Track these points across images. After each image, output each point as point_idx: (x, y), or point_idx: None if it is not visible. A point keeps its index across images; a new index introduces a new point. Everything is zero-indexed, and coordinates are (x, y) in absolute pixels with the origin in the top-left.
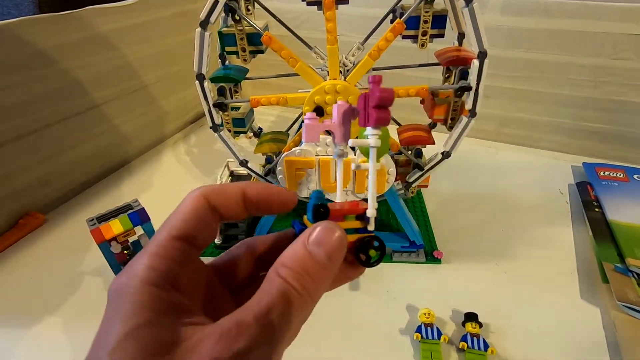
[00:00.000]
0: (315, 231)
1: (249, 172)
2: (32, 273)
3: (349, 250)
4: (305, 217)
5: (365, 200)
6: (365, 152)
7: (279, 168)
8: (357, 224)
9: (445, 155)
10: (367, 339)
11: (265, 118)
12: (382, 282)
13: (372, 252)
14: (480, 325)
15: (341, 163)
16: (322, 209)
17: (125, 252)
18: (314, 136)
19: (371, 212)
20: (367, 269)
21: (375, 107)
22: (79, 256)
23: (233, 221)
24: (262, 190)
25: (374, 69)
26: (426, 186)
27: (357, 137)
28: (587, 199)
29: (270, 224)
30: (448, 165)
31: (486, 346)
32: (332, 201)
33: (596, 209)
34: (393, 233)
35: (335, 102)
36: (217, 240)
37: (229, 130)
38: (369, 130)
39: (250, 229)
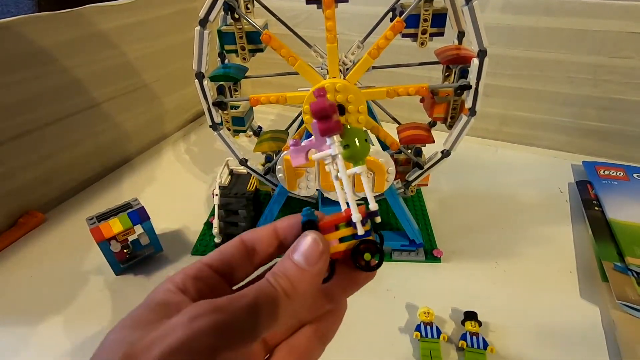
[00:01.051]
0: (298, 242)
1: (249, 170)
2: (31, 272)
3: (347, 258)
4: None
5: (365, 199)
6: (347, 158)
7: (279, 167)
8: (350, 231)
9: (445, 154)
10: (366, 338)
11: (265, 117)
12: (381, 281)
13: (367, 256)
14: (480, 324)
15: (334, 171)
16: (309, 226)
17: (125, 250)
18: (300, 160)
19: (355, 217)
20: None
21: (318, 119)
22: (78, 255)
23: (269, 259)
24: (290, 220)
25: (373, 68)
26: (426, 185)
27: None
28: (587, 197)
29: (273, 218)
30: (448, 164)
31: (485, 345)
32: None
33: (596, 208)
34: (393, 232)
35: (335, 101)
36: (217, 240)
37: (229, 129)
38: (327, 140)
39: (252, 228)
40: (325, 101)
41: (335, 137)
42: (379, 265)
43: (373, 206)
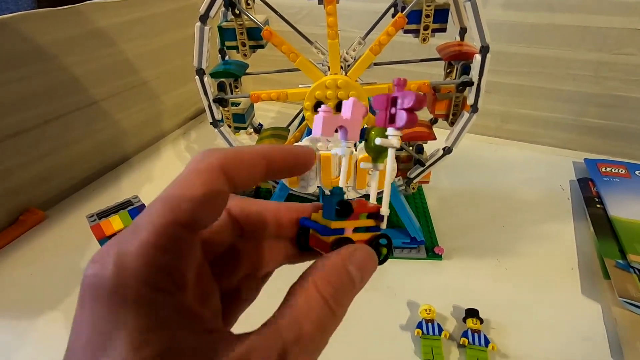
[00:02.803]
0: (358, 254)
1: None
2: (32, 269)
3: None
4: (314, 214)
5: (366, 197)
6: (373, 150)
7: None
8: (370, 222)
9: (447, 151)
10: (367, 335)
11: (266, 114)
12: (383, 278)
13: (383, 250)
14: (481, 321)
15: (346, 159)
16: (345, 206)
17: None
18: (329, 130)
19: (385, 211)
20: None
21: (409, 109)
22: (79, 252)
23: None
24: (287, 155)
25: (375, 64)
26: (427, 182)
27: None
28: (589, 195)
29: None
30: (449, 161)
31: (487, 342)
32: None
33: (597, 205)
34: (394, 229)
35: (336, 97)
36: None
37: (229, 126)
38: (391, 130)
39: None
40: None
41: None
42: (385, 259)
43: (385, 210)
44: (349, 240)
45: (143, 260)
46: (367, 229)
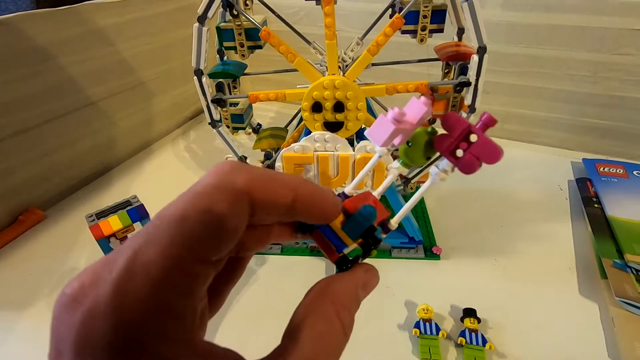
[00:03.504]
0: (367, 275)
1: None
2: (31, 269)
3: None
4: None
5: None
6: (414, 158)
7: (278, 164)
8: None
9: None
10: (365, 335)
11: (264, 114)
12: (380, 278)
13: (374, 253)
14: (479, 320)
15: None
16: (372, 237)
17: None
18: (391, 140)
19: (393, 227)
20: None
21: (477, 157)
22: (78, 252)
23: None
24: (315, 198)
25: (372, 64)
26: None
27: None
28: (587, 195)
29: None
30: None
31: (484, 342)
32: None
33: (595, 205)
34: None
35: (334, 98)
36: None
37: (228, 126)
38: (443, 164)
39: None
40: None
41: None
42: (355, 261)
43: (395, 221)
44: (356, 259)
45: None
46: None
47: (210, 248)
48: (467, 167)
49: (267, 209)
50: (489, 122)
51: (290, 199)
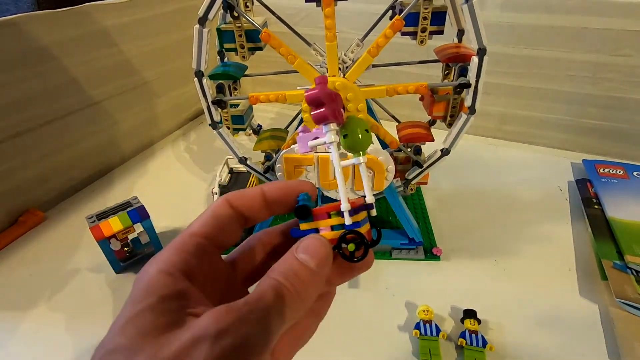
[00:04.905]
0: (303, 243)
1: (248, 169)
2: (31, 270)
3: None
4: (300, 223)
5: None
6: (346, 148)
7: (278, 165)
8: (341, 220)
9: (445, 152)
10: (365, 336)
11: (265, 115)
12: (381, 279)
13: (351, 247)
14: (479, 321)
15: (337, 162)
16: (301, 211)
17: (125, 249)
18: (304, 148)
19: (344, 207)
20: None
21: (312, 106)
22: (78, 253)
23: (256, 223)
24: (281, 188)
25: (373, 66)
26: (425, 183)
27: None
28: (587, 196)
29: (270, 220)
30: (447, 163)
31: (484, 343)
32: (334, 200)
33: (595, 206)
34: (392, 230)
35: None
36: None
37: (228, 128)
38: (324, 128)
39: (251, 227)
40: (320, 89)
41: (331, 125)
42: (362, 257)
43: (369, 199)
44: (308, 213)
45: (164, 256)
46: (342, 227)
47: (205, 230)
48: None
49: (247, 206)
50: (319, 80)
51: (259, 194)
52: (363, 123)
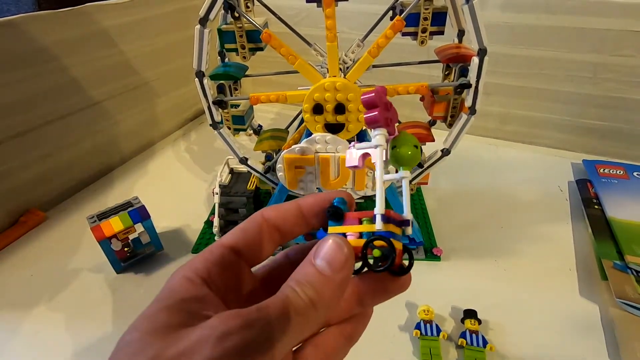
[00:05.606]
0: (321, 246)
1: (249, 169)
2: (32, 270)
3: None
4: (329, 227)
5: (366, 198)
6: (392, 160)
7: (279, 165)
8: (371, 227)
9: (445, 152)
10: (366, 336)
11: (265, 115)
12: None
13: (376, 252)
14: (479, 322)
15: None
16: (333, 215)
17: (125, 249)
18: (352, 162)
19: (378, 209)
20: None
21: (366, 109)
22: (79, 253)
23: (293, 238)
24: (318, 198)
25: (373, 66)
26: (426, 183)
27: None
28: (587, 196)
29: None
30: (448, 163)
31: (485, 343)
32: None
33: (596, 206)
34: None
35: (335, 99)
36: (217, 238)
37: (229, 128)
38: (374, 131)
39: None
40: (377, 93)
41: (381, 130)
42: (386, 267)
43: (407, 215)
44: (340, 215)
45: (190, 262)
46: (372, 234)
47: (234, 242)
48: (393, 129)
49: (280, 218)
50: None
51: (295, 207)
52: (414, 139)
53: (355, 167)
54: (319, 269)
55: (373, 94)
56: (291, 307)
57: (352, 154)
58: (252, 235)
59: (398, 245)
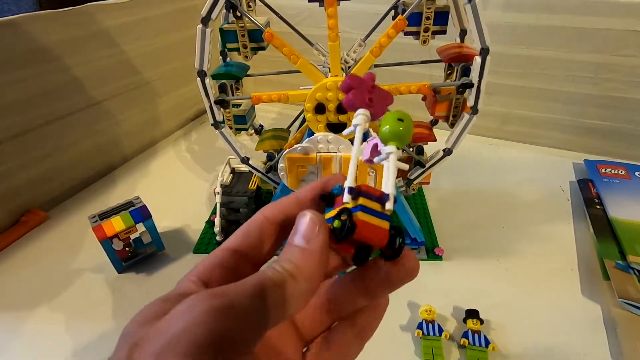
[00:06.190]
0: (295, 226)
1: (251, 169)
2: (34, 270)
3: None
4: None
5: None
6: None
7: (281, 165)
8: (377, 206)
9: (447, 152)
10: None
11: (266, 115)
12: None
13: (337, 223)
14: (482, 321)
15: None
16: (328, 196)
17: (127, 249)
18: (366, 154)
19: (347, 182)
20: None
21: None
22: (80, 253)
23: None
24: (314, 187)
25: (375, 66)
26: (427, 183)
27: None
28: (589, 196)
29: None
30: (449, 163)
31: (487, 343)
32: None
33: (597, 206)
34: None
35: (337, 99)
36: (218, 238)
37: (230, 127)
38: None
39: None
40: (349, 77)
41: (361, 110)
42: (343, 237)
43: (387, 189)
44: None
45: (195, 267)
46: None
47: (235, 244)
48: (378, 110)
49: (281, 213)
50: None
51: (292, 199)
52: (400, 113)
53: (369, 161)
54: (294, 244)
55: (347, 78)
56: (268, 281)
57: (364, 149)
58: (254, 235)
59: (381, 223)
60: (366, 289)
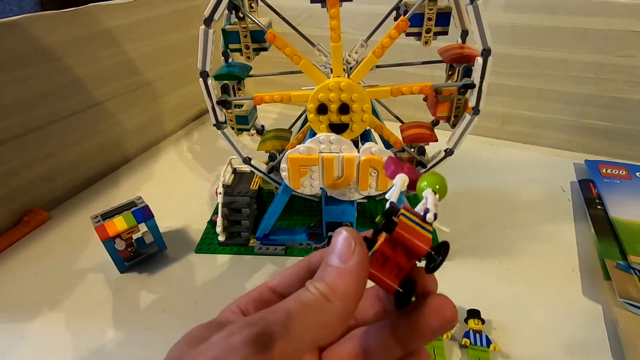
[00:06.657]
0: (330, 246)
1: (252, 169)
2: (36, 270)
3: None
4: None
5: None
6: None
7: (283, 165)
8: (418, 220)
9: (448, 152)
10: None
11: (268, 115)
12: None
13: (379, 219)
14: (483, 321)
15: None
16: (388, 220)
17: (129, 249)
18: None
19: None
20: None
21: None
22: (83, 253)
23: None
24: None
25: (377, 67)
26: None
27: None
28: (590, 196)
29: (276, 216)
30: (451, 163)
31: (488, 342)
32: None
33: (598, 207)
34: None
35: (339, 100)
36: (220, 238)
37: (232, 128)
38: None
39: (255, 226)
40: (387, 159)
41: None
42: (384, 226)
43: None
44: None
45: (249, 300)
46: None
47: (278, 285)
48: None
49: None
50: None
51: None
52: (434, 177)
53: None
54: (329, 264)
55: (386, 160)
56: (300, 304)
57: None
58: (293, 277)
59: (423, 231)
60: (401, 340)
